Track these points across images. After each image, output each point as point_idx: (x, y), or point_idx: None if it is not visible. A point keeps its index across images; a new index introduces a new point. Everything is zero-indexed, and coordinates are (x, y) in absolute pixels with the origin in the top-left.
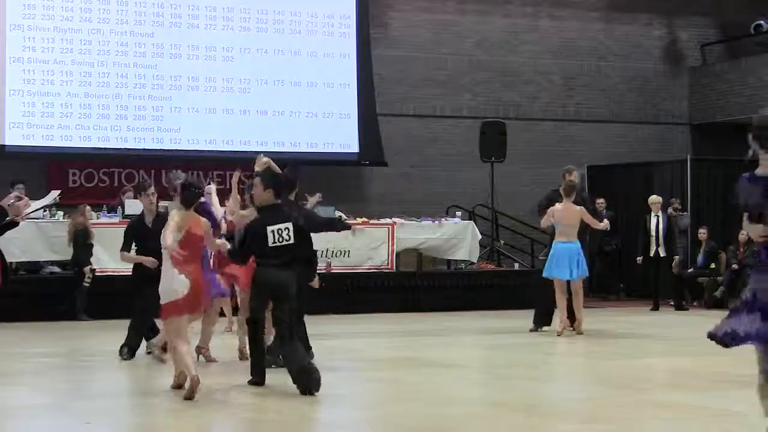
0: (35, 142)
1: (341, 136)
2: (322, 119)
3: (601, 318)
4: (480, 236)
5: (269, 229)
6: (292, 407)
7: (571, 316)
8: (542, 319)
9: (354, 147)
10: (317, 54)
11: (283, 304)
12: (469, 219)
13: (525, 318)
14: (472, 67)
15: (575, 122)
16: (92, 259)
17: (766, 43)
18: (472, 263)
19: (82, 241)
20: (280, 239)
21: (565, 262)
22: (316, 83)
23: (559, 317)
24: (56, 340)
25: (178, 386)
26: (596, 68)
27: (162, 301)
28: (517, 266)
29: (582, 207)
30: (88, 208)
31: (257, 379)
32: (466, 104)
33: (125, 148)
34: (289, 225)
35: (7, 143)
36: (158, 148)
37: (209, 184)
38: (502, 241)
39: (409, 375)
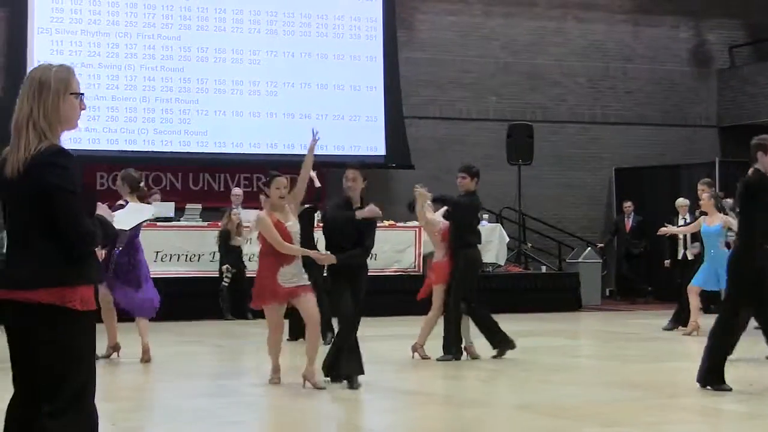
0: (63, 146)
1: (368, 139)
2: (349, 122)
3: (628, 321)
4: (507, 239)
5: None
6: (315, 409)
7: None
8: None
9: (381, 150)
10: (344, 57)
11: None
12: (496, 222)
13: (551, 321)
14: (498, 69)
15: (602, 125)
16: None
17: None
18: (500, 266)
19: (223, 243)
20: None
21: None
22: (343, 86)
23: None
24: None
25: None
26: (623, 70)
27: None
28: (544, 269)
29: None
30: (234, 211)
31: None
32: (493, 107)
33: (152, 151)
34: None
35: None
36: (185, 150)
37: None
38: (529, 244)
39: (434, 378)
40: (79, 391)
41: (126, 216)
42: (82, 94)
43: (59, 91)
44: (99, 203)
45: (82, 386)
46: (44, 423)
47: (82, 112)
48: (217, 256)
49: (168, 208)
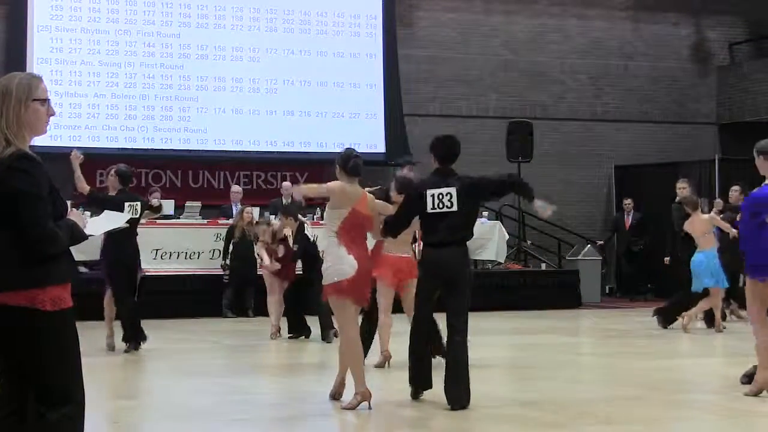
0: (63, 143)
1: (368, 137)
2: (349, 119)
3: (629, 318)
4: (507, 236)
5: (429, 192)
6: (317, 407)
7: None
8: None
9: (381, 147)
10: (344, 54)
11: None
12: (496, 219)
13: (551, 318)
14: (498, 66)
15: (602, 122)
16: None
17: None
18: (500, 263)
19: (226, 239)
20: (441, 205)
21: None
22: (343, 83)
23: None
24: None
25: (335, 395)
26: (623, 68)
27: (324, 282)
28: (543, 266)
29: (712, 214)
30: (248, 209)
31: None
32: (493, 104)
33: (152, 149)
34: (452, 190)
35: (34, 144)
36: (185, 148)
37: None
38: (529, 242)
39: (435, 375)
40: (62, 391)
41: (100, 223)
42: (48, 100)
43: (21, 98)
44: (72, 209)
45: (65, 386)
46: (30, 422)
47: (83, 110)
48: (217, 253)
49: (168, 206)
